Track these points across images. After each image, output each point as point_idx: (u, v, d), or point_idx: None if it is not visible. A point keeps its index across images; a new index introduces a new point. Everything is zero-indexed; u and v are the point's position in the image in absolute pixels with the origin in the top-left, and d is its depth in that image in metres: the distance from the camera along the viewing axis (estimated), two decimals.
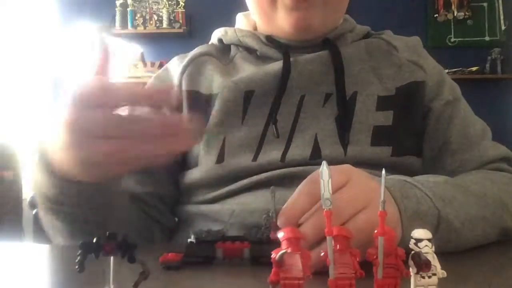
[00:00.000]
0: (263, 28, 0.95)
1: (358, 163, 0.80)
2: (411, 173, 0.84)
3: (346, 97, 0.86)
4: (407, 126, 0.88)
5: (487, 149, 0.89)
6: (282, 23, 0.88)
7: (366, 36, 0.97)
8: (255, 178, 0.82)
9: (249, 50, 0.94)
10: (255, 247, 0.57)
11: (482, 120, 0.94)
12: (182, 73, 0.92)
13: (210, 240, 0.58)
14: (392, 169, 0.79)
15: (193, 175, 0.87)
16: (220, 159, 0.84)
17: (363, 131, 0.85)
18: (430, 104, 0.91)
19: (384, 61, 0.92)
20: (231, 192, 0.84)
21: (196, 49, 0.97)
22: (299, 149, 0.84)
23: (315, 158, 0.83)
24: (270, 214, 0.58)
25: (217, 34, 0.98)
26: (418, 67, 0.91)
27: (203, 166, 0.86)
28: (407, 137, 0.88)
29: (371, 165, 0.81)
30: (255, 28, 0.98)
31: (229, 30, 0.97)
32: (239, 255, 0.57)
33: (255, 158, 0.83)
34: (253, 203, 0.79)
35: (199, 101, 0.89)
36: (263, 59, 0.92)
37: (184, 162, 0.92)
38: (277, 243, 0.55)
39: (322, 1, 0.87)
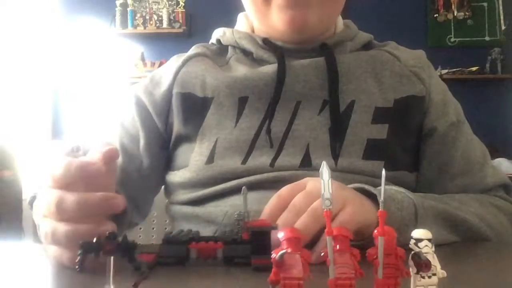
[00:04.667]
0: (259, 28, 0.94)
1: (349, 174, 0.82)
2: (403, 187, 0.85)
3: (342, 106, 0.86)
4: (401, 141, 0.87)
5: (487, 176, 0.90)
6: (277, 22, 0.87)
7: (368, 44, 0.96)
8: (244, 180, 0.82)
9: (245, 52, 0.93)
10: (228, 248, 0.57)
11: (481, 143, 0.94)
12: (176, 74, 0.91)
13: (183, 241, 0.57)
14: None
15: (183, 174, 0.87)
16: (210, 160, 0.84)
17: (356, 144, 0.84)
18: (435, 123, 0.89)
19: (386, 69, 0.90)
20: (220, 192, 0.84)
21: (191, 49, 0.97)
22: (290, 156, 0.83)
23: (305, 166, 0.83)
24: (242, 215, 0.58)
25: (216, 35, 0.98)
26: (419, 80, 0.90)
27: (193, 166, 0.86)
28: (400, 151, 0.87)
29: (363, 177, 0.82)
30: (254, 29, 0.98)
31: (227, 31, 0.97)
32: (213, 255, 0.57)
33: (244, 162, 0.83)
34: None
35: (193, 104, 0.88)
36: (258, 61, 0.91)
37: (170, 162, 0.93)
38: (249, 243, 0.55)
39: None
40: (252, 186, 0.81)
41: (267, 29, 0.92)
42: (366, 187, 0.70)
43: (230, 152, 0.84)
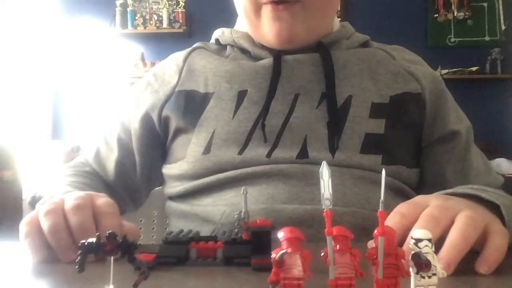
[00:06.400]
0: (253, 36, 0.96)
1: (346, 168, 0.82)
2: (400, 182, 0.85)
3: (340, 100, 0.86)
4: (399, 136, 0.88)
5: (494, 175, 0.93)
6: (266, 33, 0.90)
7: (365, 44, 0.97)
8: (240, 171, 0.83)
9: (243, 50, 0.95)
10: (228, 248, 0.57)
11: None
12: (180, 74, 0.93)
13: (183, 241, 0.57)
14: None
15: (180, 166, 0.89)
16: (207, 150, 0.86)
17: (354, 138, 0.85)
18: (456, 127, 0.91)
19: (381, 67, 0.91)
20: (216, 184, 0.84)
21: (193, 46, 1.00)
22: (287, 148, 0.84)
23: (301, 158, 0.83)
24: (242, 215, 0.58)
25: (215, 35, 1.01)
26: (413, 78, 0.91)
27: (190, 157, 0.87)
28: (398, 146, 0.88)
29: (360, 170, 0.82)
30: None
31: (226, 31, 0.99)
32: (213, 255, 0.57)
33: (241, 152, 0.84)
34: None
35: (195, 100, 0.90)
36: (255, 59, 0.93)
37: (167, 156, 0.95)
38: (249, 243, 0.55)
39: (304, 10, 0.87)
40: (248, 178, 0.82)
41: (260, 39, 0.94)
42: (479, 193, 0.66)
43: (227, 143, 0.85)
